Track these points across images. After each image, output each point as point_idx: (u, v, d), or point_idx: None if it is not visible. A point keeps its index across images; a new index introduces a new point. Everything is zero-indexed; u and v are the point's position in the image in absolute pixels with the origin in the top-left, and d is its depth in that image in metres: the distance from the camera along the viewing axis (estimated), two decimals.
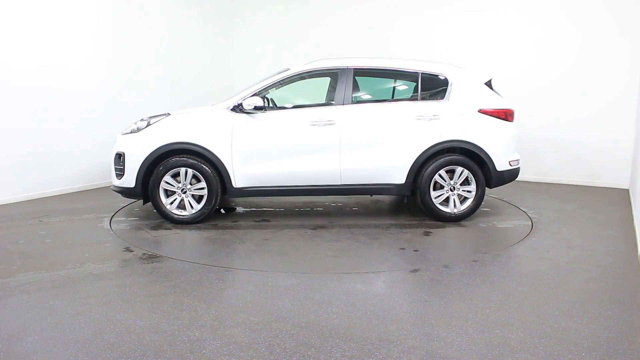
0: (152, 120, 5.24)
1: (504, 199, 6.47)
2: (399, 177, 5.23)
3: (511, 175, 5.43)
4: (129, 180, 5.14)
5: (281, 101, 5.69)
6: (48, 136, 6.52)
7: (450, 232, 5.02)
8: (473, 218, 5.45)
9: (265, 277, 3.72)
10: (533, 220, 5.49)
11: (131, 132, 5.25)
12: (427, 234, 4.95)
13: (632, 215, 5.69)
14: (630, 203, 6.32)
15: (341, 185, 5.27)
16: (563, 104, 7.62)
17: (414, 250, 4.40)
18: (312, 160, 5.17)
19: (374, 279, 3.74)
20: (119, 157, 5.22)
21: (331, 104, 5.26)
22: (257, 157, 5.14)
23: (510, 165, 5.39)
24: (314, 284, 3.59)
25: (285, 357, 2.58)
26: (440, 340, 2.78)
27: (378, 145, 5.20)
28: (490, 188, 5.42)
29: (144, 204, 5.44)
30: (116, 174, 5.27)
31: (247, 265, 4.00)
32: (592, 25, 7.33)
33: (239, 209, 6.03)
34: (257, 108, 5.08)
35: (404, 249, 4.46)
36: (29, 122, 6.27)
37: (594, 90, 7.41)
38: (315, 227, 5.19)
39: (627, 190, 7.15)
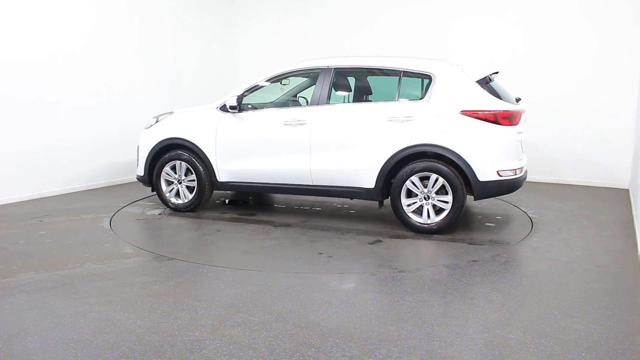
0: (160, 118, 5.91)
1: (504, 199, 6.46)
2: (368, 181, 4.95)
3: (501, 186, 4.76)
4: (141, 169, 5.85)
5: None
6: (48, 136, 6.50)
7: (403, 243, 4.64)
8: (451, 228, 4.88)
9: (265, 277, 3.73)
10: (533, 220, 5.49)
11: (149, 127, 5.93)
12: (375, 242, 4.63)
13: (632, 215, 5.69)
14: (630, 203, 6.32)
15: (313, 185, 5.23)
16: (563, 104, 7.61)
17: (328, 257, 4.24)
18: (284, 160, 5.24)
19: (370, 278, 3.74)
20: (137, 149, 5.93)
21: (305, 105, 5.33)
22: (236, 153, 5.43)
23: (499, 175, 4.69)
24: (314, 284, 3.59)
25: (285, 357, 2.59)
26: (440, 340, 2.78)
27: (347, 147, 5.00)
28: (475, 200, 4.88)
29: (152, 191, 5.92)
30: (137, 163, 5.97)
31: (158, 249, 4.41)
32: (590, 24, 7.32)
33: (250, 201, 6.14)
34: (232, 108, 5.34)
35: (321, 253, 4.31)
36: (29, 122, 6.25)
37: (593, 89, 7.39)
38: (278, 225, 5.22)
39: (627, 190, 7.14)
